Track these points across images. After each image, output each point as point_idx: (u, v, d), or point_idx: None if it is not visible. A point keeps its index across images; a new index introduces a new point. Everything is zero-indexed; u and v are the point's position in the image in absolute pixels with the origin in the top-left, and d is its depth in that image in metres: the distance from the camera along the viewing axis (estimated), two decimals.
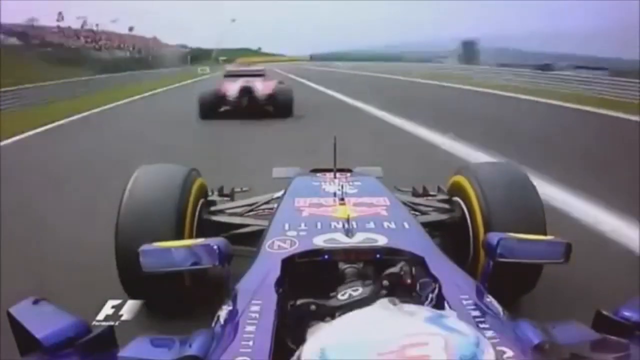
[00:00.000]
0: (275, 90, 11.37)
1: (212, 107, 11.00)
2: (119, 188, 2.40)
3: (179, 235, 2.24)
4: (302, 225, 1.86)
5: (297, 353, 0.71)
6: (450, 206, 2.81)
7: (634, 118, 10.30)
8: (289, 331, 1.26)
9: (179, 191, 2.37)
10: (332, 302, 1.32)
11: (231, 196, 3.43)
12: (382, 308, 0.70)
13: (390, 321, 0.66)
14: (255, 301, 1.26)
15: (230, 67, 16.89)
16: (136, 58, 47.52)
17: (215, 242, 1.41)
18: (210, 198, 2.96)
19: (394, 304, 0.69)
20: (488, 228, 2.29)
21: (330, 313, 1.29)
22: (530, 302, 2.42)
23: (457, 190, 2.72)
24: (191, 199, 2.45)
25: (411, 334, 0.62)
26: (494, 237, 1.49)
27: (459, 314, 1.20)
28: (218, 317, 1.25)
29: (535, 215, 2.34)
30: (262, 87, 11.28)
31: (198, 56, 64.68)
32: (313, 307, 1.31)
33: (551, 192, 4.37)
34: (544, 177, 4.44)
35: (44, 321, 1.02)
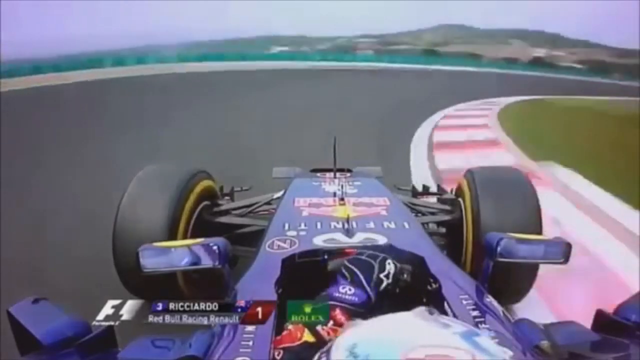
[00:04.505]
0: None
1: None
2: None
3: (173, 237, 2.23)
4: (302, 225, 1.86)
5: (329, 344, 0.74)
6: (451, 207, 2.81)
7: None
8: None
9: (177, 192, 2.37)
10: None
11: (231, 196, 3.43)
12: (419, 316, 0.73)
13: (424, 329, 0.69)
14: None
15: None
16: None
17: (215, 242, 1.40)
18: (220, 201, 2.96)
19: (431, 314, 0.73)
20: (477, 229, 2.29)
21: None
22: None
23: (460, 191, 2.73)
24: (191, 199, 2.45)
25: (440, 345, 0.64)
26: (493, 237, 1.49)
27: (459, 314, 1.20)
28: None
29: (529, 220, 2.29)
30: None
31: None
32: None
33: None
34: None
35: (44, 321, 1.02)
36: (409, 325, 0.71)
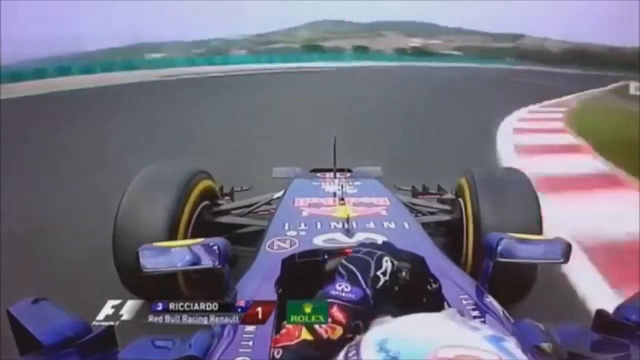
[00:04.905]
0: None
1: None
2: None
3: (173, 237, 2.24)
4: (302, 225, 1.86)
5: (357, 338, 0.74)
6: (451, 207, 2.81)
7: None
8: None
9: (177, 192, 2.37)
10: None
11: (231, 196, 3.43)
12: (450, 317, 0.74)
13: (454, 330, 0.70)
14: None
15: None
16: None
17: (215, 241, 1.40)
18: (220, 201, 2.96)
19: (462, 316, 0.74)
20: (477, 229, 2.29)
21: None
22: None
23: (460, 191, 2.73)
24: (191, 199, 2.45)
25: (470, 347, 0.66)
26: (493, 237, 1.48)
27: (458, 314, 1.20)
28: None
29: (529, 220, 2.28)
30: None
31: None
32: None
33: None
34: None
35: (44, 321, 1.02)
36: (440, 325, 0.72)
